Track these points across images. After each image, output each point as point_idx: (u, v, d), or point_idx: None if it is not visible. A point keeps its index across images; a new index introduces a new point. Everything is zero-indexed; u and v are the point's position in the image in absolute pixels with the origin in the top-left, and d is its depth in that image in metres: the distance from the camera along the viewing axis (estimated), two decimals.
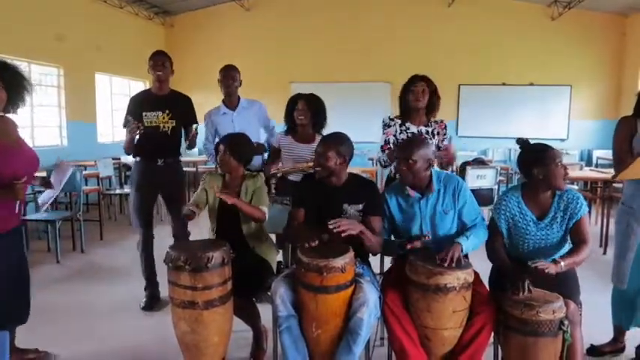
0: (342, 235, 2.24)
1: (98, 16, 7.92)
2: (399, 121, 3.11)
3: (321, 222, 2.38)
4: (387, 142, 3.11)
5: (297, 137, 3.37)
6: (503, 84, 9.27)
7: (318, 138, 3.13)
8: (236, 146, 2.77)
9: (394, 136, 3.10)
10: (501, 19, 9.14)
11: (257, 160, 3.44)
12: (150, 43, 9.01)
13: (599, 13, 8.89)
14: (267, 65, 9.38)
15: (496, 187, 5.53)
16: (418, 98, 3.01)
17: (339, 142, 2.51)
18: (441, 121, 3.17)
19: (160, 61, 3.42)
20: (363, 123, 8.45)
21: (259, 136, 3.69)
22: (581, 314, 2.27)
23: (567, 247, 2.42)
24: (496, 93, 9.24)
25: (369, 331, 2.18)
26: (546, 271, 2.08)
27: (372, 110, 9.33)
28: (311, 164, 3.12)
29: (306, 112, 3.28)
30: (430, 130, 3.10)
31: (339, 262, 2.11)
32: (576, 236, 2.33)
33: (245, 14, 9.74)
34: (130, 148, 3.43)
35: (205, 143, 3.73)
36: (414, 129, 3.07)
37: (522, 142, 2.42)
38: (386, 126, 3.12)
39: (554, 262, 2.15)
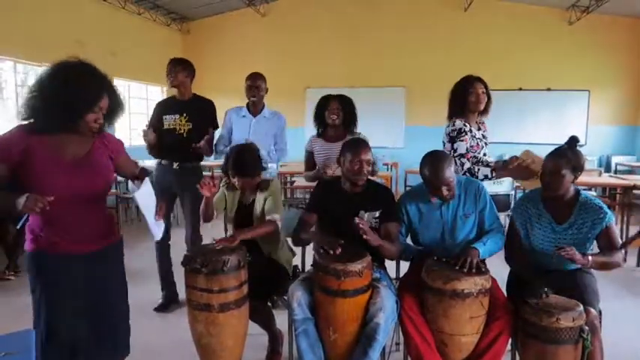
0: (363, 236, 2.23)
1: (117, 23, 8.06)
2: (468, 126, 2.92)
3: (337, 227, 2.39)
4: (468, 151, 2.89)
5: (327, 138, 3.35)
6: (520, 89, 9.19)
7: (348, 137, 3.05)
8: (248, 171, 2.68)
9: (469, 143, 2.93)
10: (518, 23, 9.07)
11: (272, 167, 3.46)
12: (167, 49, 9.12)
13: (618, 17, 8.78)
14: (282, 71, 9.41)
15: (513, 192, 5.47)
16: (480, 100, 2.93)
17: (368, 146, 2.54)
18: (483, 122, 3.09)
19: (173, 70, 3.49)
20: (378, 128, 8.45)
21: (271, 147, 3.65)
22: (600, 321, 2.23)
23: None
24: (513, 98, 9.15)
25: (386, 336, 2.18)
26: (570, 257, 2.06)
27: (388, 115, 9.34)
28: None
29: (338, 112, 3.22)
30: (482, 132, 3.02)
31: (356, 266, 2.12)
32: (606, 245, 2.28)
33: (261, 20, 9.82)
34: (151, 151, 3.54)
35: (217, 141, 3.69)
36: (479, 134, 2.98)
37: (570, 140, 2.36)
38: (463, 133, 2.89)
39: (583, 255, 2.12)
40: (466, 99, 2.93)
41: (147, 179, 2.20)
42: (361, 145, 2.52)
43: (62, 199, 1.86)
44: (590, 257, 2.14)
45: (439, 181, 2.35)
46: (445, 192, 2.36)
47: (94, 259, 2.01)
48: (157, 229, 2.29)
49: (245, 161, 2.68)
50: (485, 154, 2.96)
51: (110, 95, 1.98)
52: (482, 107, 2.96)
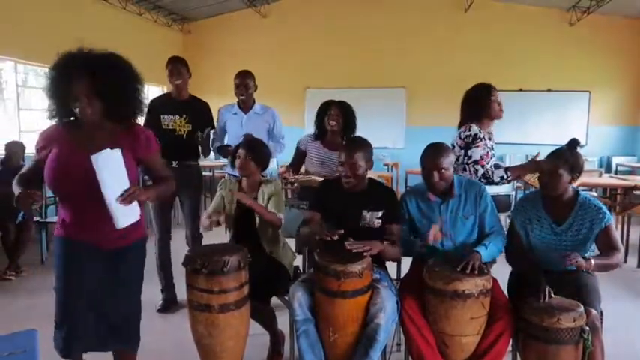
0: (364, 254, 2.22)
1: (118, 23, 8.05)
2: (483, 132, 2.87)
3: (338, 227, 2.38)
4: (482, 158, 2.80)
5: (326, 143, 3.34)
6: (521, 90, 9.19)
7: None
8: (256, 151, 2.78)
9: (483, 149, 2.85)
10: (518, 24, 9.07)
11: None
12: (168, 49, 9.08)
13: (619, 18, 8.78)
14: (282, 71, 9.43)
15: (513, 193, 5.49)
16: (502, 109, 2.88)
17: (366, 146, 2.52)
18: (491, 132, 3.00)
19: (176, 69, 3.49)
20: (378, 128, 8.44)
21: (268, 143, 3.66)
22: (601, 322, 2.23)
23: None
24: (513, 99, 9.12)
25: (386, 337, 2.18)
26: (575, 263, 2.07)
27: (388, 115, 9.34)
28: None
29: (338, 119, 3.23)
30: (492, 143, 2.95)
31: (356, 267, 2.12)
32: (605, 245, 2.29)
33: (261, 21, 9.82)
34: None
35: (213, 138, 3.71)
36: (489, 144, 2.91)
37: (570, 142, 2.38)
38: (479, 139, 2.81)
39: (585, 259, 2.12)
40: (489, 106, 2.86)
41: (117, 150, 1.84)
42: (353, 147, 2.50)
43: (78, 195, 1.89)
44: (592, 261, 2.14)
45: (432, 163, 2.38)
46: (436, 177, 2.38)
47: (111, 256, 2.01)
48: (120, 213, 1.83)
49: (257, 142, 2.86)
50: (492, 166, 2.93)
51: (98, 77, 1.87)
52: (502, 116, 2.90)
